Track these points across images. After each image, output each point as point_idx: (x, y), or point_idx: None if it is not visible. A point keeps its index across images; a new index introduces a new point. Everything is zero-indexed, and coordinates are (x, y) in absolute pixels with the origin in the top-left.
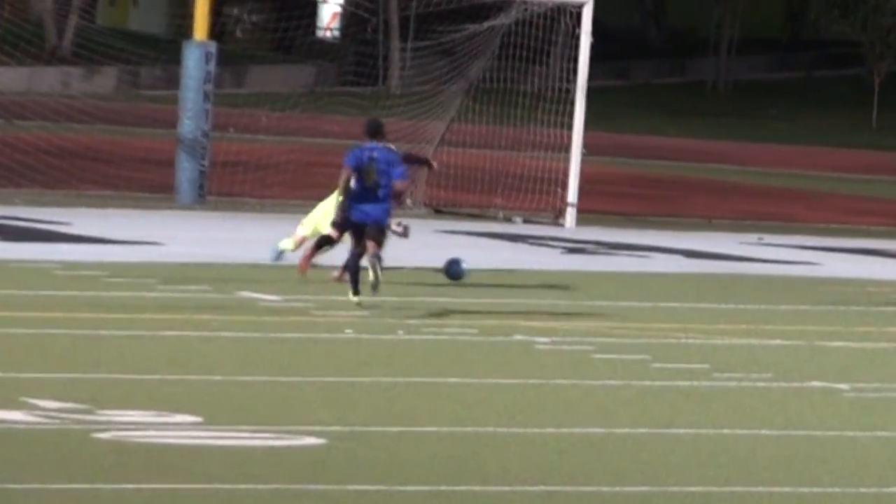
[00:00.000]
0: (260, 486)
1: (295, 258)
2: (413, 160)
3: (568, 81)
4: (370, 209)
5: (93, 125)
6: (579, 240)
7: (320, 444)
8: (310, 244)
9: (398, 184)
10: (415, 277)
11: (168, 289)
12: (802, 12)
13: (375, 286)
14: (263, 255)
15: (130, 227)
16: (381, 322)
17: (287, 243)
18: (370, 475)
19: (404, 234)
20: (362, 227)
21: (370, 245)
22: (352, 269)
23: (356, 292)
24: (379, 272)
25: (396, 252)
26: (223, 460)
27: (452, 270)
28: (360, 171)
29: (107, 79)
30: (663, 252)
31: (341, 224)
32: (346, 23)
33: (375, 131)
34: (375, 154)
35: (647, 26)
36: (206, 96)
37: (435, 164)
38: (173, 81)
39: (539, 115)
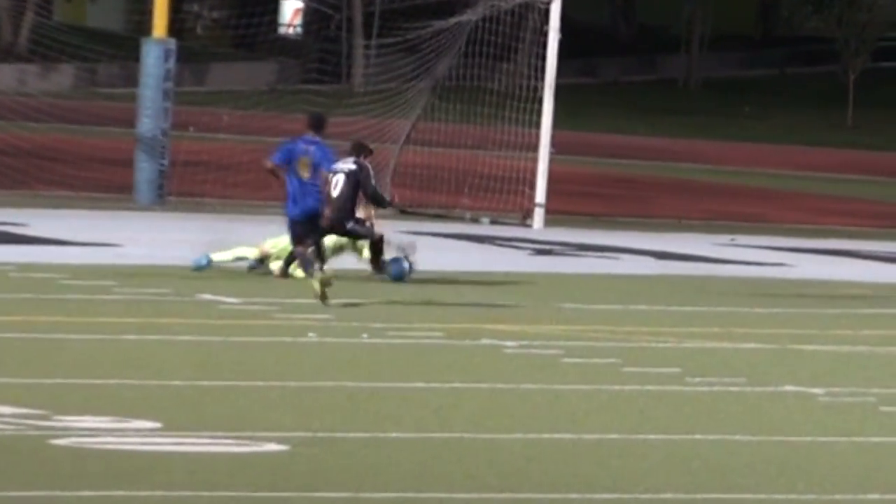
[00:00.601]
0: (221, 494)
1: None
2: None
3: (536, 79)
4: (306, 204)
5: (49, 124)
6: (547, 241)
7: (283, 451)
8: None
9: (324, 173)
10: (379, 279)
11: (126, 291)
12: (775, 8)
13: (321, 274)
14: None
15: (88, 229)
16: (345, 325)
17: (245, 251)
18: (334, 482)
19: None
20: (301, 223)
21: (306, 241)
22: (301, 254)
23: (322, 269)
24: (310, 267)
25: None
26: (183, 467)
27: (393, 270)
28: (292, 165)
29: (64, 76)
30: (633, 253)
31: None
32: (309, 19)
33: (319, 124)
34: (311, 148)
35: (617, 22)
36: (165, 94)
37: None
38: (132, 79)
39: (506, 114)
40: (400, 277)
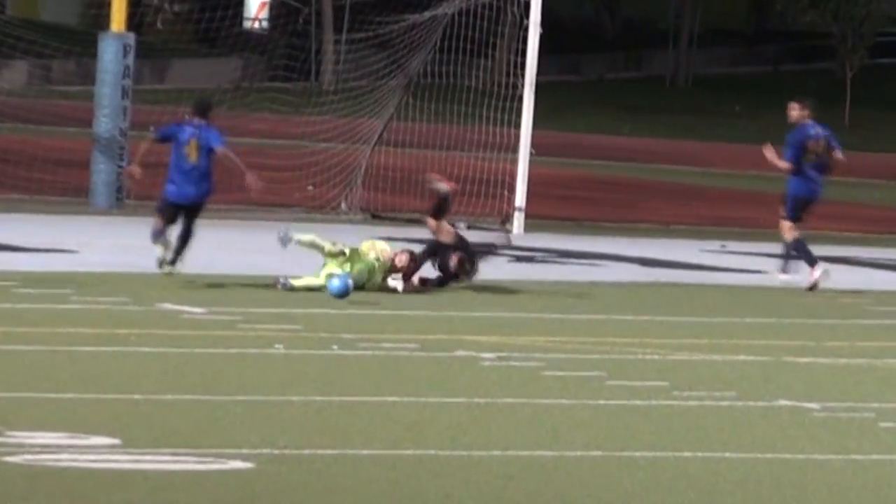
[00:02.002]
0: None
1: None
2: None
3: (515, 76)
4: (189, 190)
5: (1, 123)
6: (527, 247)
7: (248, 469)
8: None
9: (219, 149)
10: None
11: (83, 300)
12: (769, 2)
13: (164, 263)
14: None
15: (42, 234)
16: (314, 336)
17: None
18: (302, 501)
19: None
20: (178, 207)
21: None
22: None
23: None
24: (169, 251)
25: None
26: (142, 485)
27: (330, 287)
28: (179, 148)
29: (16, 73)
30: (618, 260)
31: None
32: (276, 13)
33: (205, 109)
34: (200, 133)
35: (601, 17)
36: (124, 92)
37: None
38: (88, 76)
39: (484, 113)
40: (338, 294)
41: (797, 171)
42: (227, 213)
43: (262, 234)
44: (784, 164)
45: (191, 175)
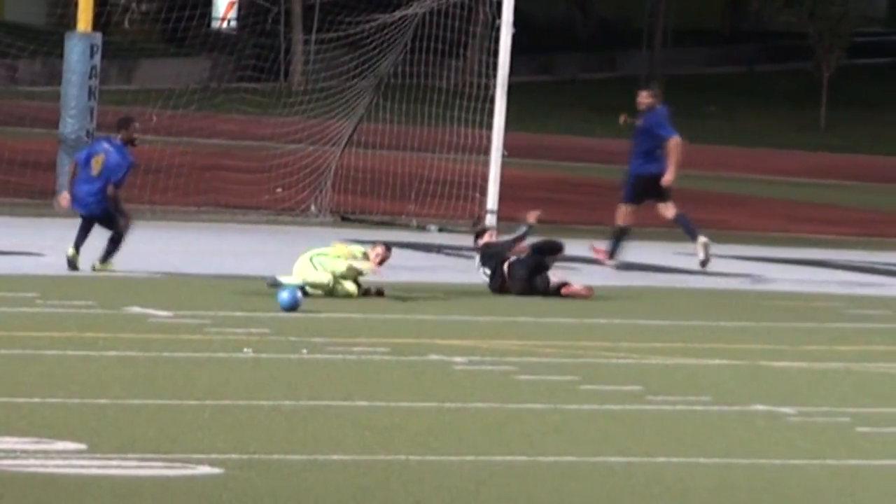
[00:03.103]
0: None
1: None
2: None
3: (487, 77)
4: (86, 201)
5: None
6: None
7: (217, 474)
8: None
9: (110, 188)
10: (318, 292)
11: (49, 304)
12: (744, 1)
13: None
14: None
15: (7, 236)
16: (283, 340)
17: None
18: None
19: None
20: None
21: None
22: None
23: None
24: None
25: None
26: (109, 491)
27: (280, 300)
28: (89, 159)
29: None
30: (591, 263)
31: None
32: (244, 12)
33: (120, 125)
34: (111, 149)
35: (574, 16)
36: (90, 93)
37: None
38: (54, 76)
39: (456, 114)
40: (285, 307)
41: (650, 152)
42: (195, 215)
43: (230, 237)
44: (675, 140)
45: (91, 187)
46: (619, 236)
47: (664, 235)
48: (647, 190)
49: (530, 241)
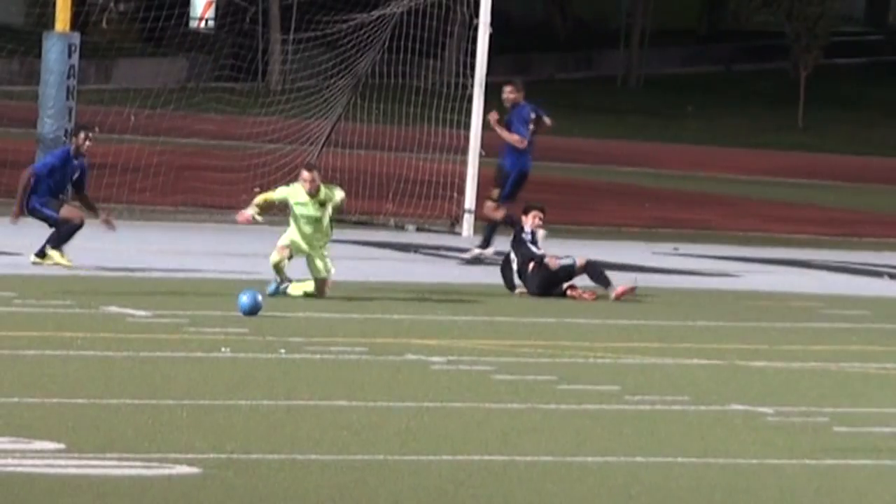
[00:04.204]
0: None
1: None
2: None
3: (465, 76)
4: None
5: None
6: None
7: (194, 474)
8: None
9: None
10: (296, 291)
11: (26, 303)
12: (721, 1)
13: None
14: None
15: None
16: (261, 340)
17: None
18: None
19: None
20: None
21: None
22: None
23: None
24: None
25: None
26: (88, 491)
27: (239, 303)
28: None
29: None
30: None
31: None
32: (222, 12)
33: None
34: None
35: (552, 16)
36: (68, 92)
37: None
38: (32, 76)
39: (433, 114)
40: (245, 311)
41: (524, 148)
42: (172, 214)
43: (208, 237)
44: (515, 138)
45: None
46: (495, 228)
47: (641, 235)
48: (521, 185)
49: (565, 260)
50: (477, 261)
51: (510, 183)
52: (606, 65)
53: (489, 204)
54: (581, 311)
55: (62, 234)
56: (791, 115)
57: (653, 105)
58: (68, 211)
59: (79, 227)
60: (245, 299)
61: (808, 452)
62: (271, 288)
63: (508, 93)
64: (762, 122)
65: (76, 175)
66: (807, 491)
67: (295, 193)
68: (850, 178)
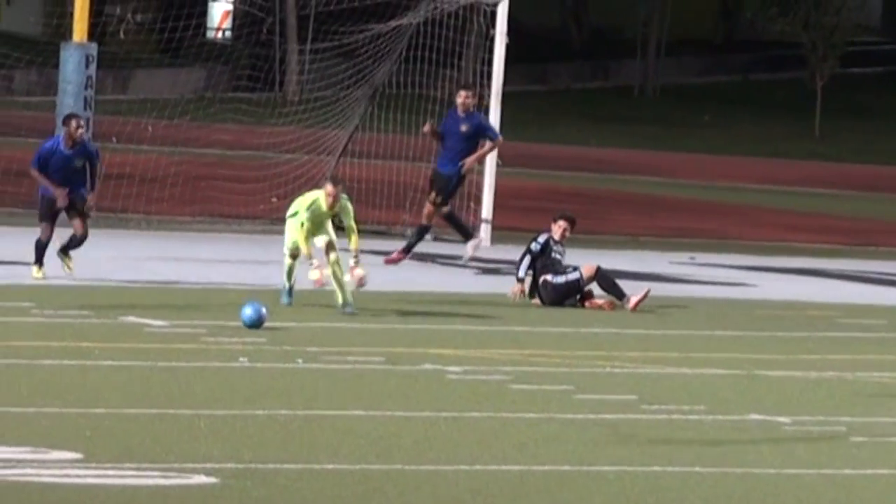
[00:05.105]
0: None
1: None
2: None
3: (482, 86)
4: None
5: None
6: (494, 259)
7: (212, 484)
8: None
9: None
10: (313, 300)
11: (45, 314)
12: (737, 10)
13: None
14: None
15: (3, 246)
16: (279, 350)
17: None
18: None
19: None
20: None
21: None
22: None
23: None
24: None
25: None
26: (105, 501)
27: (242, 316)
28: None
29: None
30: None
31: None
32: (239, 23)
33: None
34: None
35: (568, 26)
36: (86, 103)
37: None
38: (50, 87)
39: None
40: (248, 324)
41: (471, 151)
42: (190, 225)
43: (225, 247)
44: (490, 147)
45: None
46: (422, 233)
47: (658, 245)
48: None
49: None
50: (475, 256)
51: (453, 186)
52: (623, 74)
53: (430, 208)
54: (598, 320)
55: (70, 243)
56: (807, 124)
57: (669, 115)
58: (77, 225)
59: (79, 240)
60: (249, 311)
61: (826, 462)
62: (285, 300)
63: (466, 97)
64: (779, 131)
65: (81, 164)
66: (824, 501)
67: (312, 200)
68: (866, 188)
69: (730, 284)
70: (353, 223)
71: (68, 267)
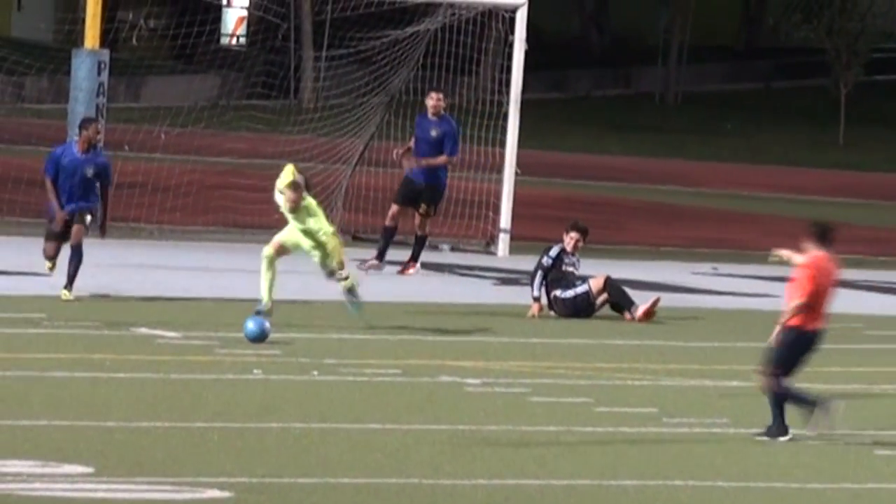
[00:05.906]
0: None
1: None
2: None
3: (500, 93)
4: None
5: None
6: (513, 269)
7: (226, 498)
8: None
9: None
10: (329, 312)
11: (56, 325)
12: (760, 17)
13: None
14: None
15: (13, 256)
16: (294, 361)
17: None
18: None
19: None
20: None
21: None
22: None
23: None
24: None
25: (312, 286)
26: None
27: (246, 330)
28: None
29: None
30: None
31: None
32: (254, 29)
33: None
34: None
35: (589, 32)
36: (98, 110)
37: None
38: (61, 94)
39: (468, 132)
40: (250, 338)
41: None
42: (203, 234)
43: (239, 257)
44: (443, 159)
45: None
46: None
47: (680, 255)
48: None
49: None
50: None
51: (438, 198)
52: (644, 82)
53: (419, 219)
54: (618, 332)
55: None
56: (831, 132)
57: (691, 122)
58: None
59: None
60: (251, 326)
61: (850, 476)
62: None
63: (437, 100)
64: (802, 139)
65: (92, 175)
66: None
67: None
68: (892, 197)
69: (752, 295)
70: (325, 225)
71: (49, 269)
